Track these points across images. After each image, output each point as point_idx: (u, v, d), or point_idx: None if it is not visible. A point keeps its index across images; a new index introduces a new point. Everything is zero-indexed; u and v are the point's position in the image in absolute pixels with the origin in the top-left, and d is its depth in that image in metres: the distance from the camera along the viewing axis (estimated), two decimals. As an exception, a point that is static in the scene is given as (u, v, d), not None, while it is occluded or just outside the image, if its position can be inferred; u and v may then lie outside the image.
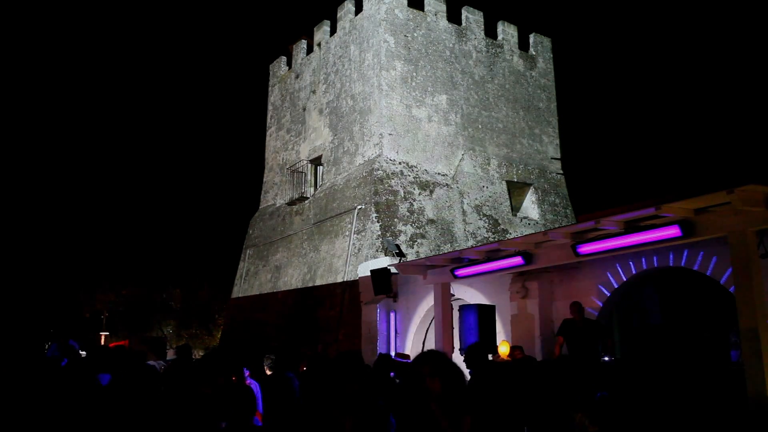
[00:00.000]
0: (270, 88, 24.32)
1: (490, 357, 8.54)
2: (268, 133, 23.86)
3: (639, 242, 8.11)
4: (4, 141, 51.83)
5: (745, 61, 47.70)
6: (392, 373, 7.76)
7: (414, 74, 18.65)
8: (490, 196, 18.96)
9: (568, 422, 4.64)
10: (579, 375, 6.80)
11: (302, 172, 21.01)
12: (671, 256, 9.12)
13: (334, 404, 2.78)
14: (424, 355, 3.12)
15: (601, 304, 10.22)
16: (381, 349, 13.96)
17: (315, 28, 21.76)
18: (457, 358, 9.91)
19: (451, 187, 18.36)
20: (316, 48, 21.64)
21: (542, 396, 5.92)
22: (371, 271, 13.77)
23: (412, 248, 16.49)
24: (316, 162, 20.85)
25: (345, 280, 16.67)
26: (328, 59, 20.87)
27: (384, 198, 16.96)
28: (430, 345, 13.09)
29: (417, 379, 2.96)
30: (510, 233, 18.45)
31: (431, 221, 17.48)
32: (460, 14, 20.35)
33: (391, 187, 17.21)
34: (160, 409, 3.75)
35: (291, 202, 20.91)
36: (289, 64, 23.55)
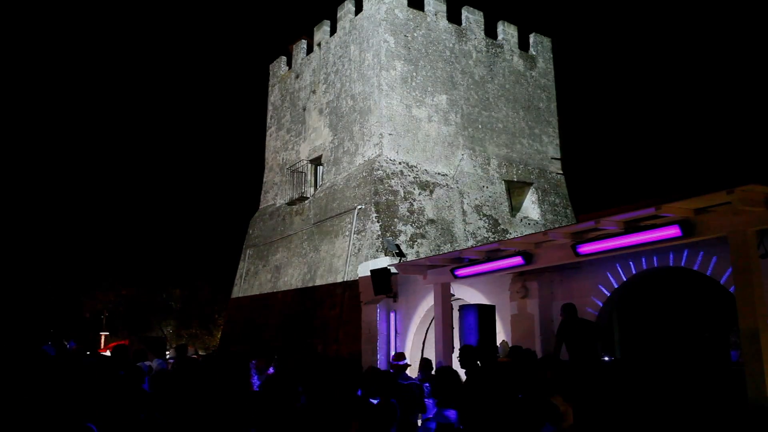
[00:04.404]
0: (270, 88, 24.32)
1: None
2: (268, 133, 23.86)
3: (639, 242, 8.10)
4: (5, 141, 51.83)
5: (745, 61, 47.69)
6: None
7: (414, 74, 18.65)
8: (490, 196, 18.96)
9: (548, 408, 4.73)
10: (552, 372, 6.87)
11: (302, 172, 21.01)
12: (671, 256, 9.11)
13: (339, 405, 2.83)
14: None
15: (601, 304, 10.21)
16: (381, 349, 13.95)
17: (315, 28, 21.75)
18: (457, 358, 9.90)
19: (451, 187, 18.36)
20: (316, 48, 21.64)
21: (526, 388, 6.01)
22: (371, 271, 13.76)
23: (412, 248, 16.48)
24: (316, 162, 20.85)
25: (345, 280, 16.67)
26: (328, 59, 20.87)
27: (384, 198, 16.96)
28: (430, 345, 13.09)
29: None
30: (510, 233, 18.45)
31: (431, 221, 17.48)
32: (460, 14, 20.36)
33: (391, 187, 17.20)
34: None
35: (291, 202, 20.91)
36: (289, 64, 23.54)
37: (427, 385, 8.37)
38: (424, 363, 9.70)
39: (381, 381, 5.95)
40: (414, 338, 13.98)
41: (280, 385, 3.99)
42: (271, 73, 24.48)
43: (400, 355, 9.65)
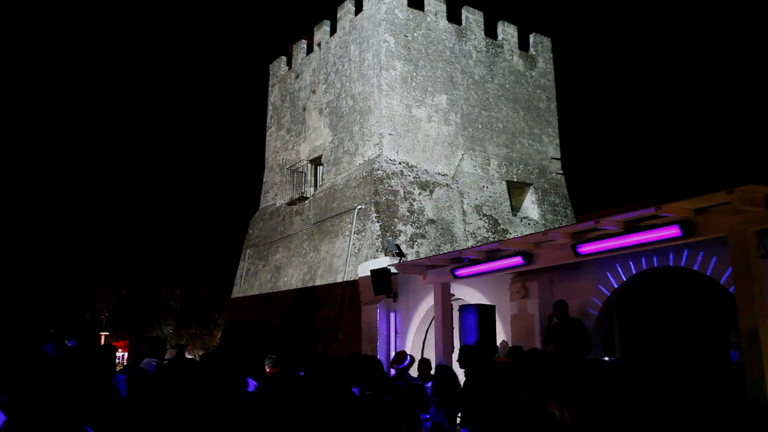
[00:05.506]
0: (270, 88, 24.32)
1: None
2: (268, 133, 23.86)
3: (639, 242, 8.10)
4: (5, 141, 51.84)
5: (745, 61, 47.69)
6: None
7: (414, 74, 18.64)
8: (490, 196, 18.95)
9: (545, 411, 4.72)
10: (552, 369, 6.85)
11: (302, 172, 21.01)
12: (671, 256, 9.11)
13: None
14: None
15: (601, 304, 10.21)
16: (381, 349, 13.95)
17: (315, 28, 21.75)
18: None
19: (451, 187, 18.35)
20: (316, 48, 21.63)
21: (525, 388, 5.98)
22: (371, 271, 13.76)
23: (412, 248, 16.48)
24: (316, 162, 20.84)
25: (345, 280, 16.66)
26: (328, 59, 20.86)
27: (384, 198, 16.95)
28: (430, 345, 13.09)
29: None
30: (510, 233, 18.44)
31: (431, 221, 17.47)
32: (460, 14, 20.35)
33: (391, 187, 17.20)
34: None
35: (291, 202, 20.90)
36: (289, 64, 23.54)
37: (428, 385, 8.34)
38: (423, 364, 9.67)
39: (372, 373, 5.81)
40: (414, 338, 13.98)
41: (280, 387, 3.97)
42: (271, 73, 24.48)
43: (401, 355, 9.33)
